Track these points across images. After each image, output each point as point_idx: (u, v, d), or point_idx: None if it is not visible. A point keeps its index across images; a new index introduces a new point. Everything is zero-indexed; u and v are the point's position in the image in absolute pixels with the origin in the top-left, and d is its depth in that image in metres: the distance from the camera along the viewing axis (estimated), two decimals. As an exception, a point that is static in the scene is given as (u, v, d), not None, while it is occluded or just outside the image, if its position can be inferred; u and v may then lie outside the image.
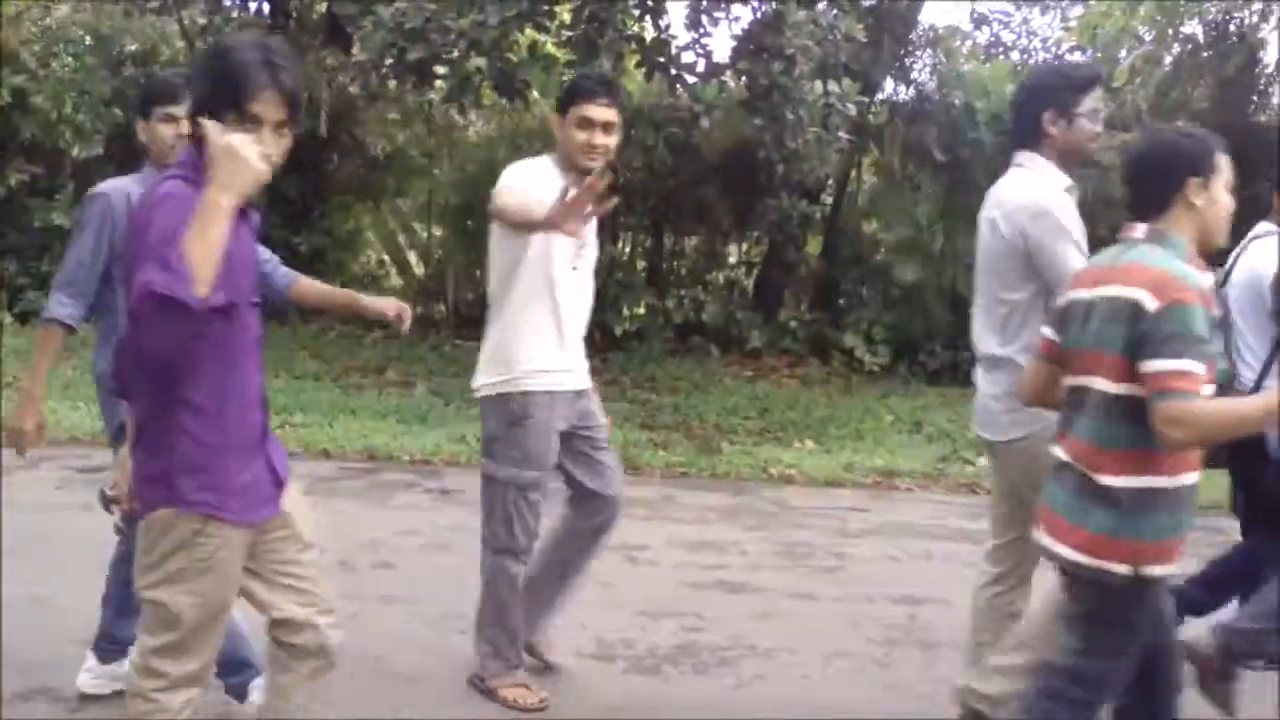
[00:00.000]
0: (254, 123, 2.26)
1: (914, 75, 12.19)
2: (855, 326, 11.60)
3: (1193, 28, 12.29)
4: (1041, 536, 2.70)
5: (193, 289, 2.03)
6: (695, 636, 4.41)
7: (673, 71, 9.54)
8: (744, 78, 9.69)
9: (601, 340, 10.76)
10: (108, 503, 2.83)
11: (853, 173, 12.46)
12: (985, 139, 10.93)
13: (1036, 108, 3.22)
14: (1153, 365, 2.43)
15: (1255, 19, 12.18)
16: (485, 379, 3.60)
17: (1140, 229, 2.67)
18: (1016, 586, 3.38)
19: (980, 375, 3.36)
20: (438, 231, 13.07)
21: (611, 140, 3.55)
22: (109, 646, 3.49)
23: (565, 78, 8.96)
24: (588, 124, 3.49)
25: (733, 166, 11.34)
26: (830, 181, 12.05)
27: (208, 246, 2.08)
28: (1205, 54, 12.36)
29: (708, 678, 4.05)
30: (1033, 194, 3.15)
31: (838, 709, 3.79)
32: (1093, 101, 3.23)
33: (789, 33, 8.84)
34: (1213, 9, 12.07)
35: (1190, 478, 2.56)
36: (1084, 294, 2.67)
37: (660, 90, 10.18)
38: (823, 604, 4.95)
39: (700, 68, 9.67)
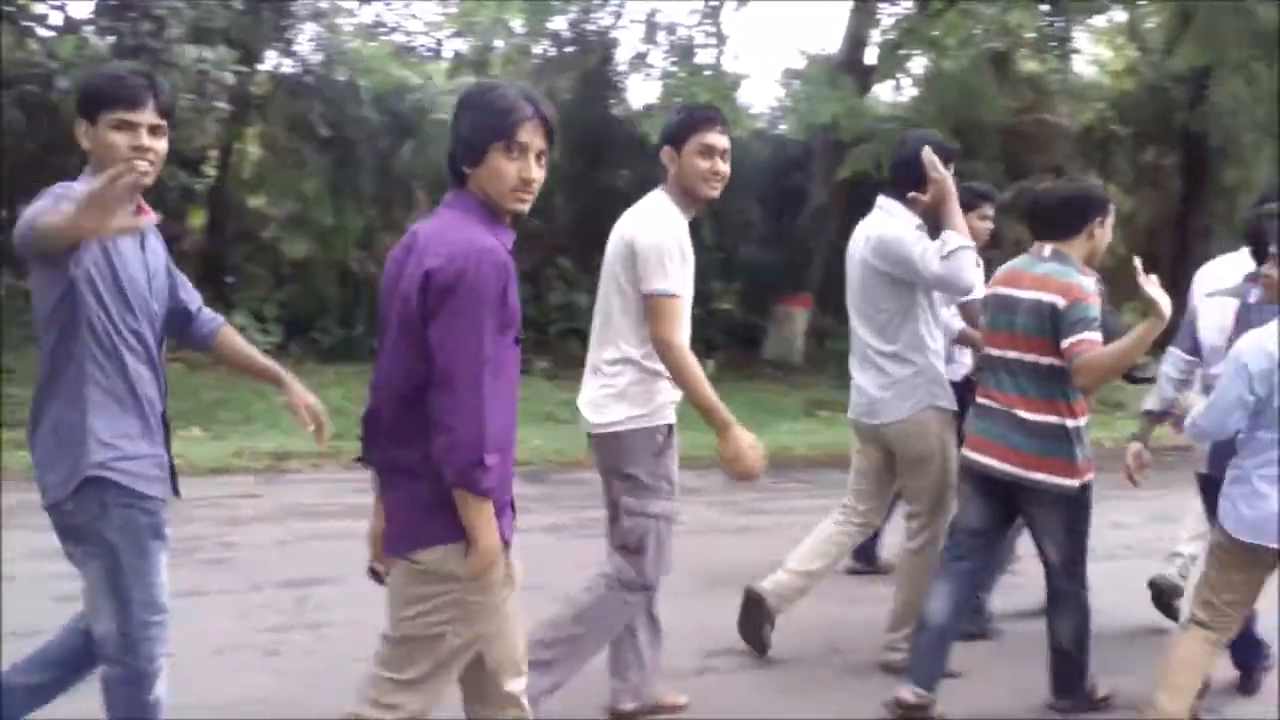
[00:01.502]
0: (520, 151, 2.40)
1: (297, 48, 11.97)
2: (246, 304, 11.20)
3: (559, 24, 13.30)
4: (992, 462, 3.77)
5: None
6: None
7: (23, 23, 8.52)
8: (109, 36, 8.92)
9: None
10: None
11: (235, 145, 11.98)
12: (371, 117, 11.03)
13: (921, 170, 4.04)
14: (1066, 340, 3.58)
15: (611, 21, 13.49)
16: (629, 412, 3.44)
17: (1047, 249, 3.76)
18: (861, 535, 4.52)
19: (862, 371, 4.22)
20: None
21: (727, 168, 3.54)
22: None
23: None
24: (709, 152, 3.47)
25: (100, 132, 10.40)
26: (212, 153, 11.50)
27: None
28: (569, 49, 13.46)
29: (94, 691, 3.68)
30: (896, 230, 4.04)
31: (223, 704, 3.65)
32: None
33: (158, -8, 8.29)
34: (574, 9, 13.16)
35: (1084, 421, 3.76)
36: (1007, 292, 3.78)
37: (10, 43, 9.04)
38: (209, 598, 4.73)
39: (56, 21, 8.74)
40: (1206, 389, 3.80)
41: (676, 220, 3.46)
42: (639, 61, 13.37)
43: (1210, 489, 3.71)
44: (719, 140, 3.51)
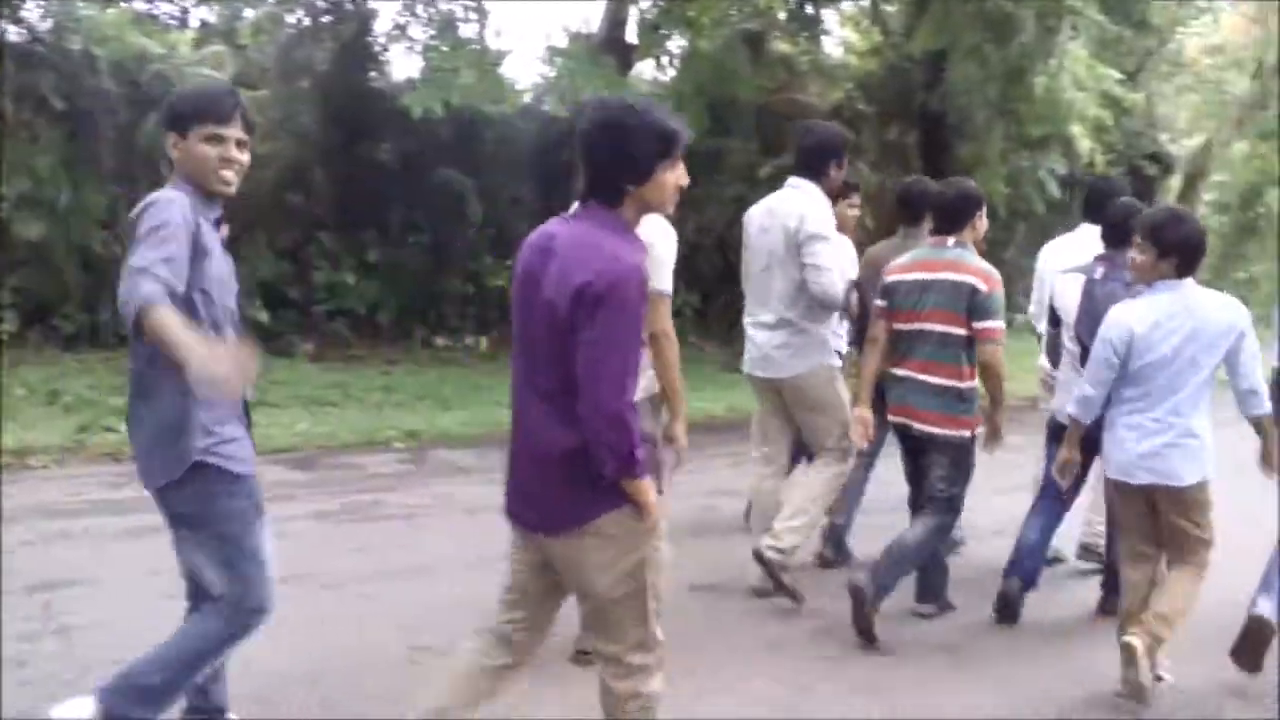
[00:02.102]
0: (677, 164, 2.75)
1: (25, 14, 11.09)
2: (-25, 290, 10.36)
3: (314, -8, 12.82)
4: (908, 422, 4.54)
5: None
6: None
7: None
8: None
9: None
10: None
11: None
12: (109, 88, 10.36)
13: (830, 156, 4.80)
14: (984, 324, 4.38)
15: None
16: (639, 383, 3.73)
17: (950, 240, 4.53)
18: (781, 476, 5.00)
19: (761, 332, 4.85)
20: None
21: None
22: None
23: None
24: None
25: None
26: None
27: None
28: (324, 19, 13.01)
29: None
30: (814, 207, 4.69)
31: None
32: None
33: None
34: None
35: (975, 382, 4.49)
36: (919, 276, 4.51)
37: None
38: (-55, 610, 4.38)
39: None
40: (1066, 352, 4.72)
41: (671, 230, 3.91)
42: (399, 34, 13.08)
43: (1055, 436, 4.54)
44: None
